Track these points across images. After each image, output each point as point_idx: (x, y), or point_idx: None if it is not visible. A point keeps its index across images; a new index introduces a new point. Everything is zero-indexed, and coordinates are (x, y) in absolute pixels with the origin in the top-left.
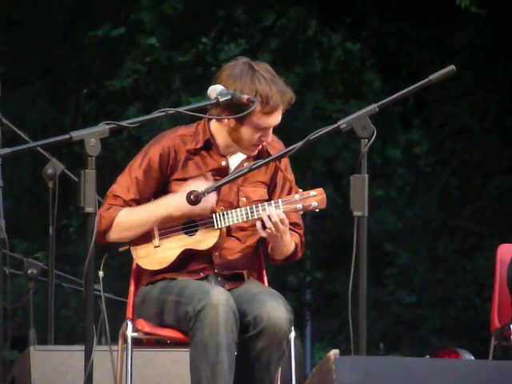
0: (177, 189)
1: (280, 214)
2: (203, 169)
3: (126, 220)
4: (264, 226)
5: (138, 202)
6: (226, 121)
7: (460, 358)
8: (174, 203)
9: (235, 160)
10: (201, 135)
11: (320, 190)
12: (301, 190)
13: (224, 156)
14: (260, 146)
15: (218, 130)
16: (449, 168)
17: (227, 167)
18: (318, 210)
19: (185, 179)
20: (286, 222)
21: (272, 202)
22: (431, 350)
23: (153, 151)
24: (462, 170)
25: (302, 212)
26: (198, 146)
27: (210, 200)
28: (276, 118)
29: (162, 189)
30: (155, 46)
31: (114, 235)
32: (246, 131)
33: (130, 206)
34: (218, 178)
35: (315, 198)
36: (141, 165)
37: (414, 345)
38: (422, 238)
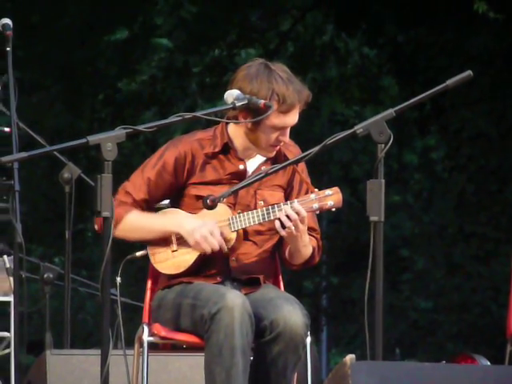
0: (194, 192)
1: (301, 212)
2: (221, 173)
3: (135, 223)
4: (283, 226)
5: (147, 201)
6: (243, 118)
7: (476, 363)
8: (188, 227)
9: (253, 164)
10: (219, 139)
11: (336, 189)
12: (316, 190)
13: (242, 160)
14: (278, 147)
15: (236, 132)
16: (465, 174)
17: (245, 171)
18: (334, 209)
19: (203, 183)
20: (306, 220)
21: (288, 202)
22: (447, 356)
23: (168, 154)
24: (479, 175)
25: (318, 211)
26: (216, 149)
27: (214, 241)
28: (293, 118)
29: (176, 191)
30: (171, 49)
31: (117, 232)
32: (263, 132)
33: (140, 205)
34: (235, 181)
35: (331, 197)
36: (155, 166)
37: (430, 350)
38: (439, 243)
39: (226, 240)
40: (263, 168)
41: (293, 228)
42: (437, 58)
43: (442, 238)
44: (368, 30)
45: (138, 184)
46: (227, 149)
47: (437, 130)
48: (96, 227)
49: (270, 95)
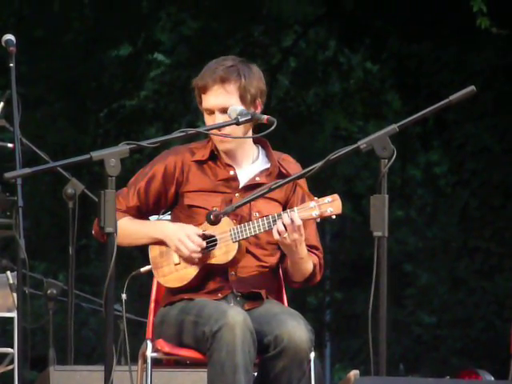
0: (188, 202)
1: (297, 221)
2: (213, 179)
3: (125, 229)
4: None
5: (139, 209)
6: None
7: (480, 378)
8: (168, 232)
9: (245, 173)
10: (208, 147)
11: (335, 196)
12: (316, 198)
13: (231, 166)
14: (224, 139)
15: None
16: (469, 188)
17: (235, 177)
18: (334, 217)
19: (196, 191)
20: (302, 230)
21: (288, 210)
22: (451, 371)
23: (159, 163)
24: (482, 190)
25: (318, 219)
26: (204, 157)
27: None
28: (213, 98)
29: (170, 200)
30: (174, 65)
31: None
32: (205, 120)
33: (133, 212)
34: (228, 188)
35: (330, 204)
36: (146, 175)
37: (434, 365)
38: (442, 258)
39: (228, 251)
40: (257, 178)
41: (285, 235)
42: (440, 73)
43: (446, 252)
44: (371, 45)
45: (131, 192)
46: (215, 156)
47: (440, 145)
48: (93, 232)
49: (197, 79)
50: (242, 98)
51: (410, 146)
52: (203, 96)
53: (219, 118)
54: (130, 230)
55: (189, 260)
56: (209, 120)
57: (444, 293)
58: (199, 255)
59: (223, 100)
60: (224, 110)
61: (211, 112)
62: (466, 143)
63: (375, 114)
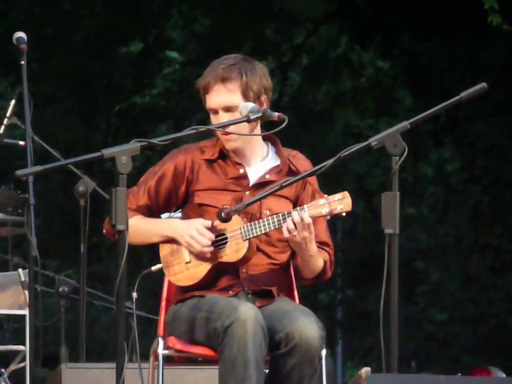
0: (198, 200)
1: (306, 219)
2: (223, 178)
3: (136, 228)
4: (289, 231)
5: (150, 207)
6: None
7: (492, 375)
8: (179, 230)
9: (255, 170)
10: (217, 146)
11: (345, 193)
12: (326, 195)
13: (240, 164)
14: (229, 136)
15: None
16: (480, 185)
17: (245, 175)
18: (344, 214)
19: (206, 190)
20: (312, 228)
21: (298, 208)
22: (463, 368)
23: (169, 161)
24: (494, 187)
25: (328, 216)
26: (214, 156)
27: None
28: (215, 98)
29: (180, 199)
30: (185, 62)
31: None
32: (211, 119)
33: (143, 211)
34: (238, 186)
35: (340, 201)
36: (156, 173)
37: (446, 363)
38: (454, 255)
39: (238, 249)
40: (267, 176)
41: (295, 233)
42: (451, 70)
43: (457, 250)
44: (382, 42)
45: (141, 191)
46: (224, 155)
47: (451, 142)
48: (104, 231)
49: (200, 80)
50: (245, 96)
51: (422, 143)
52: (207, 96)
53: (223, 117)
54: (140, 228)
55: (201, 255)
56: (214, 120)
57: (455, 290)
58: (211, 249)
59: (225, 99)
60: (227, 109)
61: (215, 112)
62: (478, 140)
63: (386, 111)
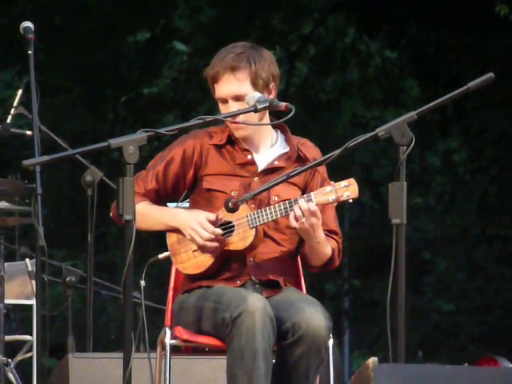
0: (206, 186)
1: (312, 207)
2: (231, 164)
3: (143, 214)
4: (297, 219)
5: (158, 192)
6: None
7: (499, 365)
8: (183, 221)
9: (263, 157)
10: (226, 132)
11: (351, 180)
12: (333, 182)
13: (248, 150)
14: (238, 125)
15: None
16: (487, 176)
17: (253, 161)
18: (351, 201)
19: (215, 174)
20: (318, 214)
21: (304, 195)
22: (470, 358)
23: (178, 146)
24: (501, 177)
25: (335, 203)
26: (222, 142)
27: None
28: (224, 87)
29: (188, 184)
30: (192, 52)
31: None
32: (220, 108)
33: (151, 195)
34: (246, 172)
35: (347, 188)
36: (164, 158)
37: (453, 353)
38: (461, 245)
39: (245, 237)
40: (276, 162)
41: (303, 219)
42: (458, 60)
43: (464, 240)
44: (389, 32)
45: (149, 175)
46: (232, 141)
47: (459, 133)
48: (111, 215)
49: (208, 69)
50: (254, 84)
51: (429, 133)
52: (215, 85)
53: (233, 106)
54: (147, 215)
55: (204, 248)
56: (223, 109)
57: (462, 280)
58: (214, 244)
59: (235, 88)
60: (237, 98)
61: (224, 101)
62: (485, 130)
63: (394, 101)
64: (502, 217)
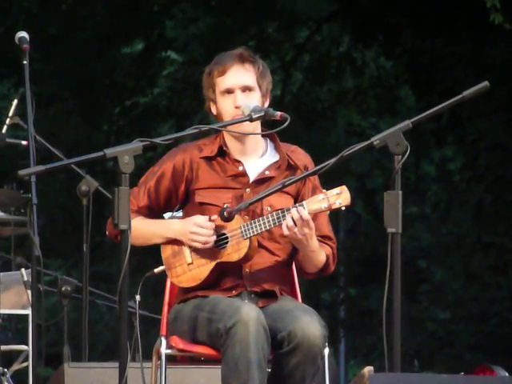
0: (199, 199)
1: (304, 215)
2: (222, 176)
3: (137, 229)
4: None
5: (150, 208)
6: (213, 112)
7: (494, 374)
8: (177, 229)
9: (253, 166)
10: (216, 143)
11: (343, 187)
12: (324, 191)
13: (239, 161)
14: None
15: (227, 135)
16: (483, 184)
17: (244, 172)
18: (343, 208)
19: (206, 188)
20: (311, 224)
21: (296, 204)
22: (466, 367)
23: (168, 161)
24: (496, 185)
25: (327, 211)
26: (213, 154)
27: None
28: (233, 77)
29: (181, 198)
30: (187, 61)
31: None
32: (221, 104)
33: (144, 212)
34: (238, 184)
35: (339, 196)
36: (155, 173)
37: (449, 361)
38: (457, 254)
39: (239, 248)
40: (267, 172)
41: (295, 230)
42: (453, 69)
43: (460, 248)
44: (384, 41)
45: (141, 192)
46: (223, 152)
47: (454, 141)
48: (107, 233)
49: (210, 66)
50: (258, 83)
51: (424, 141)
52: (220, 78)
53: (239, 97)
54: (141, 230)
55: (206, 247)
56: (226, 102)
57: (458, 289)
58: (214, 237)
59: (244, 78)
60: (245, 89)
61: (230, 91)
62: (480, 139)
63: (389, 110)
64: (497, 225)
